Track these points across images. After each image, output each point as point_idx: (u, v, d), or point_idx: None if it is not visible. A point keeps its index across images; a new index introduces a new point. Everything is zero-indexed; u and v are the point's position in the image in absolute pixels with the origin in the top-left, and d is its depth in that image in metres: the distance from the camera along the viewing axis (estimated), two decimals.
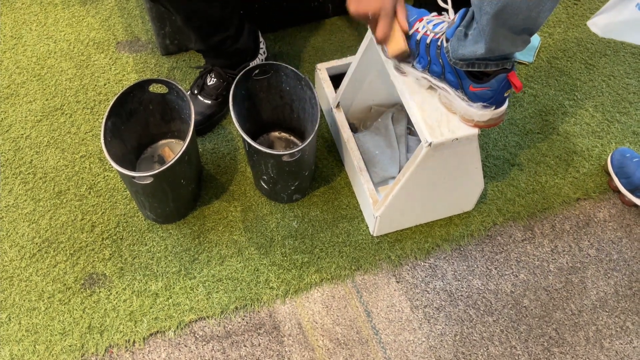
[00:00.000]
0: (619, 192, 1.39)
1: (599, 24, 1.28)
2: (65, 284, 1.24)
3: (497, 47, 0.92)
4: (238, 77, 1.24)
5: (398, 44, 1.06)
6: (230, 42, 1.35)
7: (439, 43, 1.01)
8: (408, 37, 1.05)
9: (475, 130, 1.06)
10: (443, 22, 1.03)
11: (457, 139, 1.05)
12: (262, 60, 1.48)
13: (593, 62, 1.63)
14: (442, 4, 1.03)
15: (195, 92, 1.44)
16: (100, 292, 1.23)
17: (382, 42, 1.06)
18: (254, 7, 1.53)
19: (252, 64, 1.45)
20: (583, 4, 1.75)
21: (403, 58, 1.08)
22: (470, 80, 0.98)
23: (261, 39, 1.48)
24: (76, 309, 1.21)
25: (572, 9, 1.74)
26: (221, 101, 1.43)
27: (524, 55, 1.62)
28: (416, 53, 1.05)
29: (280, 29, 1.64)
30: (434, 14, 1.06)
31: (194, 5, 1.22)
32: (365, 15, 1.04)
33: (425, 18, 1.05)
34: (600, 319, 1.25)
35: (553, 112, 1.53)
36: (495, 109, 1.02)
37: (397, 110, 1.42)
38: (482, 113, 1.02)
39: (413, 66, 1.07)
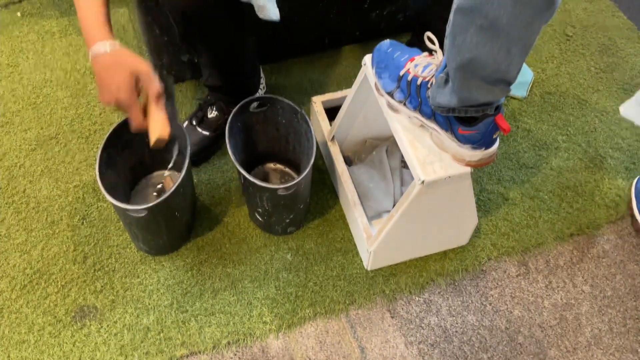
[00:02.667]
0: (632, 217, 1.41)
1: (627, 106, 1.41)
2: (55, 317, 1.22)
3: (469, 97, 0.93)
4: (234, 109, 1.25)
5: (155, 131, 1.00)
6: (244, 79, 1.40)
7: (429, 85, 1.02)
8: (399, 77, 1.06)
9: (468, 169, 1.06)
10: (431, 64, 1.04)
11: (449, 176, 1.05)
12: (261, 94, 1.49)
13: (585, 97, 1.65)
14: (429, 45, 1.04)
15: (194, 123, 1.44)
16: (91, 325, 1.22)
17: (139, 131, 1.03)
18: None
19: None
20: (575, 40, 1.78)
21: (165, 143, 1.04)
22: (459, 123, 0.99)
23: (262, 75, 1.49)
24: (66, 342, 1.19)
25: (564, 45, 1.77)
26: (219, 134, 1.44)
27: (518, 90, 1.63)
28: (407, 93, 1.06)
29: (276, 60, 1.66)
30: (425, 54, 1.07)
31: (223, 47, 1.26)
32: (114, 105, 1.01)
33: (416, 58, 1.06)
34: (595, 356, 1.24)
35: (546, 146, 1.54)
36: (485, 149, 1.02)
37: (392, 143, 1.43)
38: (473, 154, 1.03)
39: (405, 105, 1.07)
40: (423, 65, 1.03)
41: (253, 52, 1.39)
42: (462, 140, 1.01)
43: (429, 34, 1.02)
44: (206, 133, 1.43)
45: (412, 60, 1.05)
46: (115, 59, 0.99)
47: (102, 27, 0.99)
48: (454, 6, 0.84)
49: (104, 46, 0.98)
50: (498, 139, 1.03)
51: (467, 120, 0.99)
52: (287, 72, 1.64)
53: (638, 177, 1.45)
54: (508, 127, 0.95)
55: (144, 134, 1.27)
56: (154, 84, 1.00)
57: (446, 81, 0.95)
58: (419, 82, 1.02)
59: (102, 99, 1.01)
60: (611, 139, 1.56)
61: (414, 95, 1.04)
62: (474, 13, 0.80)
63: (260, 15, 1.12)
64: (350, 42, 1.71)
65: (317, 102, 1.45)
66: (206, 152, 1.45)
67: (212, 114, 1.43)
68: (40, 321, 1.22)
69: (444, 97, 0.96)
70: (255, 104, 1.28)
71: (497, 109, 0.96)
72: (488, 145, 1.01)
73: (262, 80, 1.49)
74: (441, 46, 1.03)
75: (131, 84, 0.98)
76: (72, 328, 1.21)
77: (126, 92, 0.98)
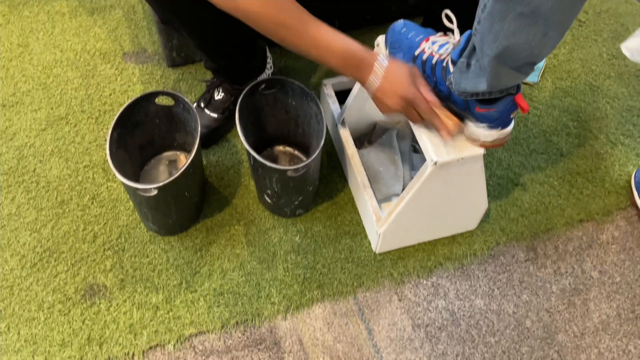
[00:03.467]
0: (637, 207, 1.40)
1: (631, 47, 1.30)
2: (65, 295, 1.23)
3: (498, 84, 0.92)
4: (245, 91, 1.24)
5: (451, 119, 1.04)
6: (241, 62, 1.36)
7: (444, 64, 1.01)
8: (414, 57, 1.05)
9: (481, 150, 1.06)
10: (448, 42, 1.03)
11: (462, 158, 1.05)
12: (269, 75, 1.48)
13: (597, 83, 1.63)
14: (447, 24, 1.03)
15: (202, 105, 1.44)
16: (100, 303, 1.23)
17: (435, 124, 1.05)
18: None
19: (259, 79, 1.45)
20: (588, 26, 1.76)
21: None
22: (477, 102, 0.99)
23: (268, 54, 1.48)
24: (76, 320, 1.20)
25: (577, 31, 1.75)
26: (227, 115, 1.44)
27: (529, 76, 1.62)
28: (422, 73, 1.05)
29: None
30: (440, 33, 1.06)
31: (207, 31, 1.22)
32: (398, 112, 1.04)
33: (431, 38, 1.05)
34: (603, 342, 1.24)
35: (557, 132, 1.53)
36: (501, 129, 1.02)
37: (402, 127, 1.42)
38: (488, 133, 1.02)
39: None
40: (439, 44, 1.02)
41: (247, 33, 1.34)
42: (480, 118, 1.00)
43: (447, 11, 1.01)
44: (214, 115, 1.43)
45: (427, 40, 1.04)
46: (399, 63, 1.03)
47: (362, 46, 1.03)
48: None
49: (382, 57, 1.02)
50: (514, 120, 1.02)
51: (487, 99, 0.98)
52: (297, 55, 1.63)
53: (637, 169, 1.44)
54: (527, 107, 0.94)
55: (154, 114, 1.27)
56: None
57: (468, 65, 0.94)
58: (434, 60, 1.02)
59: (388, 110, 1.04)
60: (622, 126, 1.55)
61: (429, 74, 1.03)
62: (515, 0, 0.78)
63: None
64: (361, 25, 1.70)
65: (328, 85, 1.45)
66: (215, 134, 1.45)
67: (218, 95, 1.43)
68: (50, 299, 1.23)
69: (470, 82, 0.94)
70: (264, 86, 1.28)
71: (517, 87, 0.95)
72: (505, 124, 1.01)
73: (270, 60, 1.48)
74: (459, 26, 1.02)
75: (411, 77, 1.02)
76: (81, 306, 1.22)
77: (411, 85, 1.00)
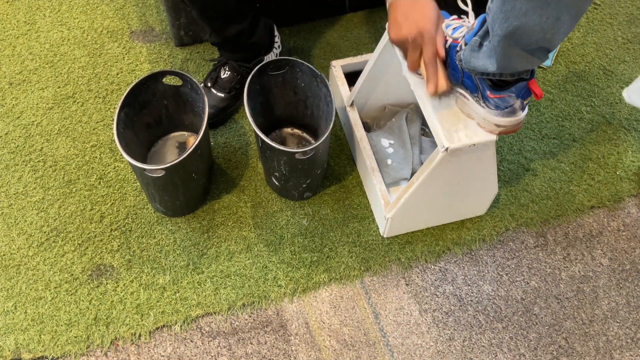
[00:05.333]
0: None
1: (630, 91, 1.33)
2: (72, 274, 1.23)
3: (508, 66, 0.90)
4: (253, 72, 1.22)
5: (445, 80, 1.02)
6: (245, 35, 1.33)
7: (457, 48, 0.99)
8: None
9: (493, 136, 1.04)
10: (462, 26, 1.01)
11: (474, 144, 1.03)
12: (276, 54, 1.46)
13: (612, 68, 1.60)
14: (462, 6, 1.01)
15: (209, 84, 1.42)
16: (107, 283, 1.23)
17: (427, 71, 1.02)
18: (270, 0, 1.52)
19: (266, 58, 1.43)
20: (603, 9, 1.73)
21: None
22: (489, 87, 0.97)
23: (276, 33, 1.46)
24: (83, 300, 1.21)
25: (591, 14, 1.72)
26: (234, 94, 1.42)
27: None
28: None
29: (295, 23, 1.63)
30: (454, 17, 1.04)
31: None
32: (405, 42, 1.00)
33: (445, 21, 1.03)
34: (611, 329, 1.23)
35: (570, 117, 1.51)
36: (514, 116, 1.00)
37: (412, 110, 1.40)
38: (501, 120, 1.00)
39: None
40: (453, 27, 1.00)
41: (252, 6, 1.32)
42: (492, 105, 0.98)
43: None
44: (221, 94, 1.42)
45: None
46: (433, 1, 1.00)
47: None
48: None
49: None
50: (527, 106, 1.00)
51: (499, 84, 0.96)
52: (306, 36, 1.61)
53: None
54: (541, 93, 0.92)
55: (162, 94, 1.26)
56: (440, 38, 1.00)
57: (480, 45, 0.92)
58: (447, 44, 1.00)
59: (398, 35, 1.00)
60: (636, 111, 1.53)
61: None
62: None
63: None
64: (372, 5, 1.67)
65: (337, 66, 1.43)
66: (223, 113, 1.43)
67: (225, 74, 1.42)
68: (57, 278, 1.23)
69: (479, 61, 0.93)
70: (272, 66, 1.26)
71: (532, 73, 0.93)
72: (518, 111, 0.99)
73: (277, 39, 1.46)
74: (474, 9, 1.00)
75: (437, 18, 0.98)
76: (88, 286, 1.22)
77: (433, 24, 0.97)
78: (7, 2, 1.64)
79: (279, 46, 1.47)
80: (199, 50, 1.57)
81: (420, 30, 0.98)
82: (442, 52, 0.99)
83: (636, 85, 1.33)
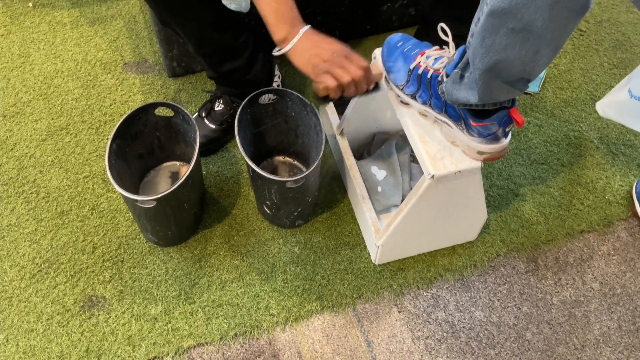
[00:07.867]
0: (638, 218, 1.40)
1: (602, 104, 1.38)
2: (64, 306, 1.23)
3: (490, 97, 0.92)
4: (244, 102, 1.24)
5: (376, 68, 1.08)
6: (240, 72, 1.35)
7: (439, 78, 1.01)
8: (409, 71, 1.05)
9: (478, 163, 1.05)
10: (442, 57, 1.03)
11: (460, 171, 1.04)
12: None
13: (598, 93, 1.63)
14: (442, 37, 1.03)
15: (203, 115, 1.44)
16: (99, 315, 1.22)
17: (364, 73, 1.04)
18: (265, 33, 1.54)
19: None
20: (589, 35, 1.76)
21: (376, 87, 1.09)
22: (472, 116, 0.98)
23: (277, 72, 1.47)
24: (74, 332, 1.20)
25: (577, 40, 1.75)
26: (226, 127, 1.44)
27: (530, 85, 1.62)
28: (417, 87, 1.05)
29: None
30: (436, 47, 1.06)
31: (206, 33, 1.22)
32: (328, 63, 1.02)
33: (426, 52, 1.05)
34: (604, 354, 1.23)
35: (558, 143, 1.52)
36: (497, 143, 1.01)
37: (401, 137, 1.42)
38: (485, 147, 1.02)
39: (415, 99, 1.07)
40: (434, 57, 1.02)
41: (250, 43, 1.32)
42: (475, 133, 1.00)
43: (442, 25, 1.01)
44: (212, 126, 1.43)
45: (422, 54, 1.04)
46: (322, 35, 1.03)
47: (298, 14, 1.02)
48: (485, 8, 0.81)
49: (307, 28, 1.02)
50: (510, 133, 1.02)
51: (481, 112, 0.98)
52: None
53: (639, 179, 1.44)
54: (522, 120, 0.94)
55: (154, 125, 1.27)
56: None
57: (461, 77, 0.94)
58: (429, 75, 1.01)
59: (318, 58, 1.01)
60: (623, 136, 1.55)
61: (424, 88, 1.03)
62: (507, 16, 0.78)
63: (226, 3, 1.10)
64: (361, 35, 1.70)
65: None
66: (214, 144, 1.45)
67: (219, 107, 1.43)
68: (49, 310, 1.23)
69: (461, 93, 0.94)
70: (264, 96, 1.28)
71: (512, 101, 0.95)
72: (501, 138, 1.00)
73: (278, 78, 1.46)
74: (453, 40, 1.02)
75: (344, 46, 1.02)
76: (80, 317, 1.22)
77: (344, 45, 1.02)
78: (2, 35, 1.66)
79: (279, 85, 1.48)
80: (192, 80, 1.59)
81: (335, 49, 1.01)
82: (364, 62, 1.03)
83: (610, 99, 1.35)
